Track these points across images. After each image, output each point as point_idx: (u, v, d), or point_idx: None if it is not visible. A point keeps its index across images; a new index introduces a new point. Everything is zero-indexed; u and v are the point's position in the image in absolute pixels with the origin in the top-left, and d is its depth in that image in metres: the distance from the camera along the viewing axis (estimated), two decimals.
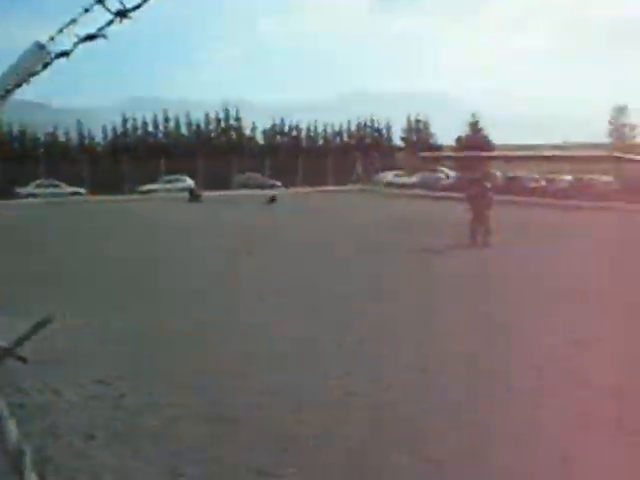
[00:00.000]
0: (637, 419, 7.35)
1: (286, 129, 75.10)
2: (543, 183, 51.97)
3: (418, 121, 79.22)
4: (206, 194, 48.49)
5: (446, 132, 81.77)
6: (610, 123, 77.92)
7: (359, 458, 6.33)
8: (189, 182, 56.31)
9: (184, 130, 71.26)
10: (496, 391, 8.22)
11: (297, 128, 75.32)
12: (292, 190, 57.95)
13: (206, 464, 6.20)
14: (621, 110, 77.52)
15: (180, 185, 55.91)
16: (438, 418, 7.36)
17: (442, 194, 50.04)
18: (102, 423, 7.18)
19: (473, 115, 77.46)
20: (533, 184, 51.53)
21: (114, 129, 68.80)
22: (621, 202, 39.23)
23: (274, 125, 74.54)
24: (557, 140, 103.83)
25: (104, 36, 2.36)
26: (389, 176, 63.63)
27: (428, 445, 6.60)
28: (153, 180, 57.40)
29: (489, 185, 24.60)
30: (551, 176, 52.66)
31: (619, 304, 13.20)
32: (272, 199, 44.00)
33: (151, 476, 5.99)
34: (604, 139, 77.69)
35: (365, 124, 78.08)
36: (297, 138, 74.85)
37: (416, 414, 7.45)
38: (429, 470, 6.10)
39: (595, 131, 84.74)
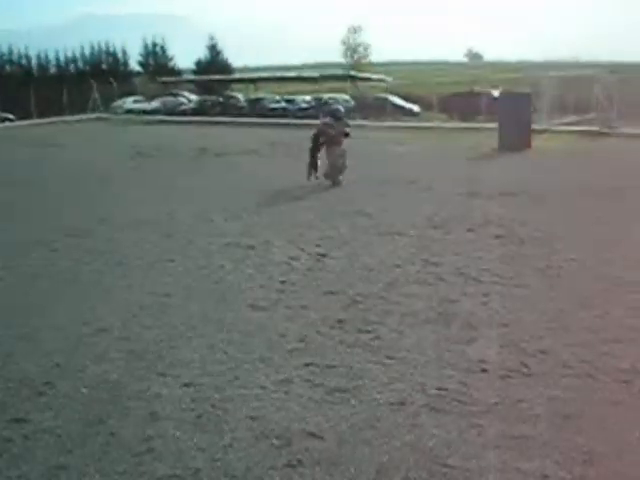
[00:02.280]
0: None
1: (15, 57, 69.64)
2: (284, 104, 52.57)
3: (155, 44, 76.63)
4: None
5: (185, 56, 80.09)
6: (343, 43, 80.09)
7: None
8: None
9: None
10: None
11: (26, 56, 70.14)
12: (25, 122, 54.06)
13: None
14: (355, 30, 79.88)
15: None
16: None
17: (185, 119, 49.23)
18: None
19: (211, 38, 76.49)
20: (274, 105, 52.00)
21: None
22: (358, 120, 40.61)
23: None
24: (295, 61, 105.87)
25: None
26: (128, 102, 61.26)
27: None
28: None
29: (341, 115, 21.59)
30: (291, 97, 53.41)
31: None
32: None
33: None
34: (341, 59, 79.94)
35: (100, 49, 74.37)
36: (27, 67, 69.76)
37: None
38: None
39: (333, 52, 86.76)
